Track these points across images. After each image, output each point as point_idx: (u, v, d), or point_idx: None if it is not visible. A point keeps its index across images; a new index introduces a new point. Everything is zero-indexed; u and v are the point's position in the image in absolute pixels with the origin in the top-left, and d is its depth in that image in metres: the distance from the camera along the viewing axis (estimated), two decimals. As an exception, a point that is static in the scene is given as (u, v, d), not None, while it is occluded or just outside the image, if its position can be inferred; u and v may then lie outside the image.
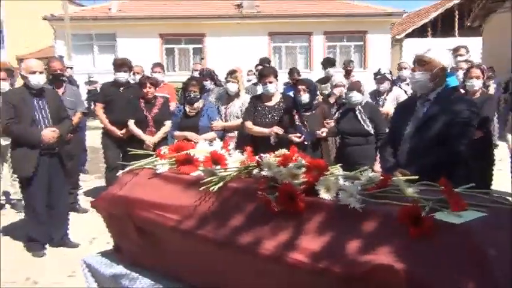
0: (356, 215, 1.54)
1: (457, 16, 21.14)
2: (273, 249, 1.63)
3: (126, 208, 2.26)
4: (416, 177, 1.77)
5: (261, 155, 2.01)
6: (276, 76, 4.57)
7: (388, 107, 5.15)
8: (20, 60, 22.37)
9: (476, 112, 2.79)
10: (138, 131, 5.28)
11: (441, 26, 21.42)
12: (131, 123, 5.32)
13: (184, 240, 2.01)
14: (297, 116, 4.27)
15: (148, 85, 5.31)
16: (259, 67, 7.77)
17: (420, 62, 2.74)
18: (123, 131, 5.52)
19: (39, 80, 4.25)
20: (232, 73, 5.23)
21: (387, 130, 4.65)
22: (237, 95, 5.17)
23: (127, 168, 2.43)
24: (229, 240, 1.79)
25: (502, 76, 10.84)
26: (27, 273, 4.02)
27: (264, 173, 1.86)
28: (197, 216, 1.96)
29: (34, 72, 4.21)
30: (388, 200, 1.58)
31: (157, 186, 2.23)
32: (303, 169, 1.80)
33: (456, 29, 21.06)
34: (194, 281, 2.05)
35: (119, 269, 2.35)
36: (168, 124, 5.30)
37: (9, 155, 5.56)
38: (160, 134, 5.30)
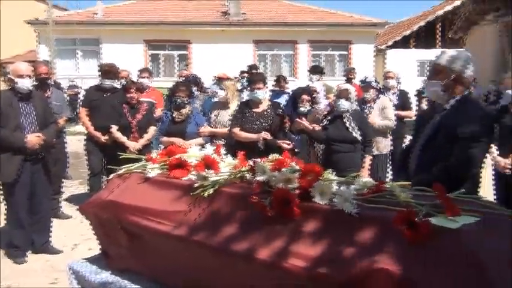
0: (351, 220, 1.54)
1: (439, 28, 21.53)
2: (267, 255, 1.62)
3: (115, 213, 2.23)
4: (409, 183, 1.78)
5: (254, 159, 2.00)
6: (265, 82, 4.58)
7: (374, 118, 5.20)
8: (0, 64, 21.99)
9: (490, 126, 2.49)
10: (121, 137, 5.24)
11: (424, 37, 21.79)
12: (114, 129, 5.28)
13: (175, 245, 1.98)
14: (287, 124, 4.28)
15: (133, 90, 5.27)
16: (244, 74, 7.79)
17: (434, 70, 2.53)
18: (107, 136, 5.47)
19: (27, 84, 4.17)
20: (222, 80, 5.22)
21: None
22: (227, 104, 5.13)
23: (116, 173, 2.40)
24: (223, 245, 1.77)
25: (482, 87, 11.06)
26: (8, 280, 3.92)
27: (257, 177, 1.86)
28: (189, 222, 1.94)
29: (22, 76, 4.14)
30: (383, 205, 1.59)
31: (148, 190, 2.21)
32: (297, 174, 1.80)
33: (438, 40, 21.44)
34: (184, 287, 2.03)
35: (107, 275, 2.30)
36: (151, 130, 5.27)
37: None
38: (143, 141, 5.26)
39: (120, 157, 2.64)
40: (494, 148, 3.97)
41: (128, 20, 18.12)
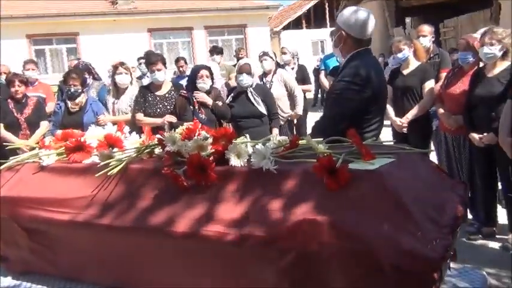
0: (271, 177, 1.49)
1: (327, 8, 22.51)
2: (188, 226, 1.52)
3: (9, 210, 1.97)
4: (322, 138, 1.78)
5: (162, 131, 1.87)
6: (164, 63, 4.37)
7: (278, 90, 5.23)
8: None
9: (360, 84, 2.23)
10: (9, 136, 4.73)
11: (314, 17, 22.67)
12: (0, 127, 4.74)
13: (85, 234, 1.80)
14: (195, 104, 4.11)
15: (17, 83, 4.77)
16: (142, 60, 7.47)
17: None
18: (-7, 138, 4.90)
19: None
20: (122, 64, 4.88)
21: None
22: (124, 90, 4.82)
23: (4, 165, 2.11)
24: (138, 225, 1.63)
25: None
26: None
27: (168, 148, 1.73)
28: (97, 206, 1.76)
29: None
30: (301, 159, 1.56)
31: (45, 180, 1.97)
32: (210, 140, 1.71)
33: (328, 20, 22.43)
34: (99, 278, 1.85)
35: (7, 281, 2.04)
36: (44, 125, 4.83)
37: None
38: (35, 137, 4.78)
39: (7, 148, 2.33)
40: (390, 109, 4.21)
41: (6, 14, 16.49)
